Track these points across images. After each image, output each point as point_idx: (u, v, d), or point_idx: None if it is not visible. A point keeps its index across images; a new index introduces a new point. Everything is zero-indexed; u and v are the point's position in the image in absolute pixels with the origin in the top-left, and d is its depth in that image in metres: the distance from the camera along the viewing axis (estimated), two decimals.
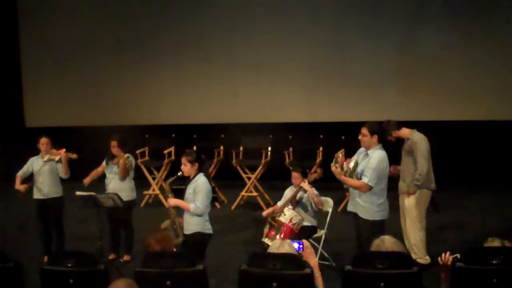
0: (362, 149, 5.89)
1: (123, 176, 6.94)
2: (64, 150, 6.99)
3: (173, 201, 5.85)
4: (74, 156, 6.96)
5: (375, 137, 5.72)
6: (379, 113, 9.87)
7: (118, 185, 6.95)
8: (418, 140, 6.31)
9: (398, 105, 10.15)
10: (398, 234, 6.29)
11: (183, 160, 5.84)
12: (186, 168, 5.81)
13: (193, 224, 5.79)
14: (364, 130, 5.74)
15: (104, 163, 7.11)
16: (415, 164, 6.28)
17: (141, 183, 9.43)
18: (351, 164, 5.79)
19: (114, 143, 6.98)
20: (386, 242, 4.08)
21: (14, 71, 11.72)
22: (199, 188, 5.74)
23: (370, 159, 5.67)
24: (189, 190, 5.80)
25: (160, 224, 5.94)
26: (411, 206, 6.36)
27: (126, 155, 6.98)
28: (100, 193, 6.73)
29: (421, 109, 10.08)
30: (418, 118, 9.62)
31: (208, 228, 5.86)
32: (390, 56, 10.34)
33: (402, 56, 10.29)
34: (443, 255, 4.06)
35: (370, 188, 5.66)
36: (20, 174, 7.04)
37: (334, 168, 5.79)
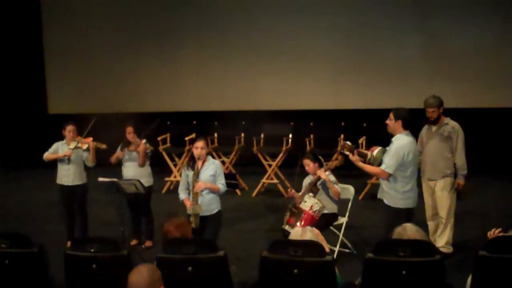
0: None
1: (144, 162, 6.96)
2: (91, 139, 6.96)
3: (204, 185, 5.81)
4: (103, 146, 6.91)
5: (399, 122, 5.64)
6: (401, 100, 9.78)
7: (136, 172, 6.95)
8: (459, 128, 6.25)
9: (420, 93, 9.95)
10: (422, 223, 6.26)
11: (202, 144, 5.86)
12: (204, 151, 5.87)
13: (215, 204, 5.94)
14: (391, 114, 5.70)
15: (119, 150, 7.09)
16: (451, 150, 6.22)
17: (162, 169, 9.52)
18: (375, 152, 5.76)
19: (130, 129, 6.98)
20: (408, 230, 4.06)
21: (37, 59, 11.83)
22: (220, 169, 5.96)
23: (391, 145, 5.63)
24: (210, 172, 5.87)
25: (179, 210, 6.00)
26: (446, 196, 6.29)
27: (144, 140, 7.00)
28: (122, 179, 6.78)
29: (444, 96, 9.94)
30: None
31: None
32: (413, 44, 10.24)
33: (426, 44, 10.17)
34: (492, 230, 4.18)
35: (389, 174, 5.61)
36: (47, 155, 7.01)
37: (351, 155, 5.76)
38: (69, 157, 6.90)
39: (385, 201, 5.76)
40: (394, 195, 5.67)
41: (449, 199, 6.29)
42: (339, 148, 9.46)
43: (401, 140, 5.60)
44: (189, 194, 5.93)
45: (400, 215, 5.54)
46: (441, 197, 6.32)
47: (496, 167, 9.88)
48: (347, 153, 5.81)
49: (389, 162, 5.56)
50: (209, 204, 5.90)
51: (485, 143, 9.87)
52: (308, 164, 6.44)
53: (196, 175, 5.85)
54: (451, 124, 6.26)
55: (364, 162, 5.79)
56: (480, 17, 9.88)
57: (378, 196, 5.99)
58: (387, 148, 5.80)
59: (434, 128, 6.31)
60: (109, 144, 7.05)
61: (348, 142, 5.90)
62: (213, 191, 5.89)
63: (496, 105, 9.94)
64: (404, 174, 5.60)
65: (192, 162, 5.98)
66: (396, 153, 5.55)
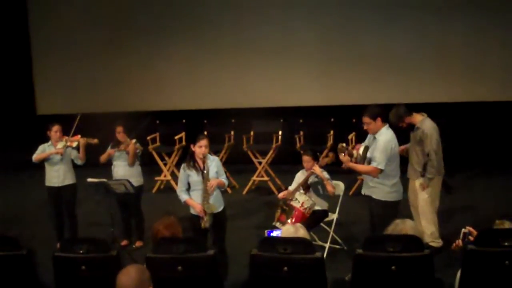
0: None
1: (133, 162, 6.94)
2: (79, 136, 6.93)
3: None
4: (95, 141, 6.89)
5: (379, 120, 5.71)
6: (390, 96, 9.82)
7: (126, 171, 6.93)
8: (429, 131, 6.20)
9: (408, 88, 10.08)
10: (410, 217, 6.28)
11: (206, 142, 5.72)
12: (208, 149, 5.76)
13: (221, 200, 5.95)
14: (366, 119, 5.76)
15: (109, 150, 7.06)
16: (423, 154, 6.23)
17: (152, 169, 9.48)
18: (361, 150, 5.80)
19: (120, 129, 6.95)
20: (406, 225, 4.11)
21: (24, 59, 11.73)
22: (220, 164, 5.95)
23: (377, 142, 5.67)
24: (214, 169, 5.79)
25: (168, 209, 6.00)
26: (422, 193, 6.32)
27: (134, 140, 6.97)
28: (111, 180, 6.75)
29: (431, 91, 10.00)
30: (427, 100, 9.58)
31: None
32: (401, 39, 10.22)
33: (413, 39, 10.16)
34: (456, 242, 4.20)
35: (381, 171, 5.64)
36: (36, 156, 6.92)
37: (342, 156, 5.82)
38: (61, 154, 6.83)
39: (373, 196, 5.79)
40: (382, 188, 5.72)
41: (423, 199, 6.34)
42: (329, 144, 9.48)
43: (386, 135, 5.68)
44: (189, 194, 5.83)
45: (389, 208, 5.61)
46: (417, 195, 6.38)
47: (485, 161, 9.90)
48: (342, 154, 5.85)
49: (379, 159, 5.61)
50: (218, 200, 5.87)
51: (474, 137, 9.91)
52: (309, 161, 6.43)
53: (207, 175, 5.73)
54: (422, 128, 6.25)
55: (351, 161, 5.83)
56: (465, 12, 9.91)
57: (363, 192, 6.01)
58: (364, 142, 5.85)
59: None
60: (104, 145, 7.04)
61: (343, 144, 5.94)
62: (220, 187, 5.86)
63: (483, 99, 9.96)
64: (390, 167, 5.65)
65: (192, 161, 5.81)
66: (385, 148, 5.61)
